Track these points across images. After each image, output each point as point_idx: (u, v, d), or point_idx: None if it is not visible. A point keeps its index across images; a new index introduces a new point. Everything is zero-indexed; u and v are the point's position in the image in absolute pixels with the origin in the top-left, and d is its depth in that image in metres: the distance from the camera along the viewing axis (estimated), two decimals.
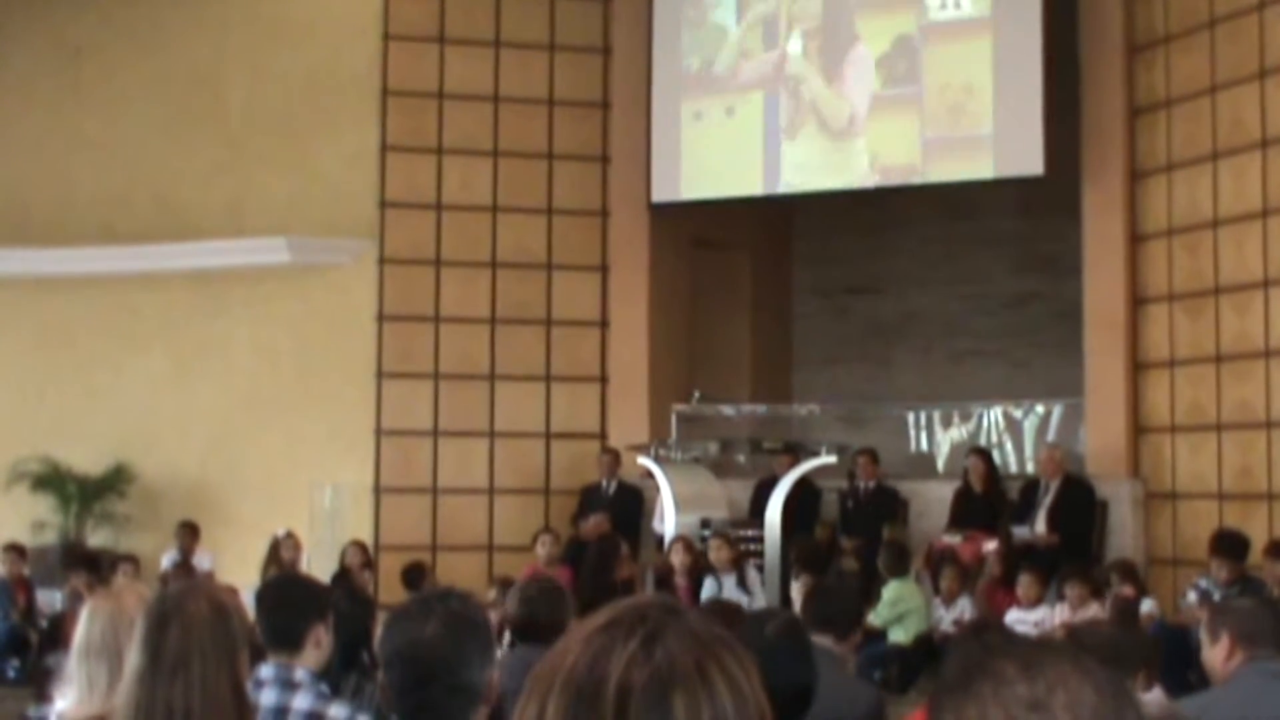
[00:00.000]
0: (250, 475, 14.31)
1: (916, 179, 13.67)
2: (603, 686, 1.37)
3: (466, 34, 14.75)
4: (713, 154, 14.32)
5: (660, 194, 14.38)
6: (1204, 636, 4.93)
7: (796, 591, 5.30)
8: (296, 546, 12.51)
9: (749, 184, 14.25)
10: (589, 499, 13.71)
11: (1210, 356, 12.29)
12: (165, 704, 2.99)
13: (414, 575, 11.49)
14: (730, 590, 11.18)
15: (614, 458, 13.81)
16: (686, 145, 14.40)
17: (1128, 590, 9.96)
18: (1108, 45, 13.07)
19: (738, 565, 11.41)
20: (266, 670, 4.10)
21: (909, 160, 13.59)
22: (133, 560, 12.40)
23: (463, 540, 14.16)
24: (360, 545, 12.50)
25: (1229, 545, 10.30)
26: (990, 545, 11.66)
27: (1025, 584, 10.60)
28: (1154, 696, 5.41)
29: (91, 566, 12.00)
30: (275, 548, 12.39)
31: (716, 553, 11.41)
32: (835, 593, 5.88)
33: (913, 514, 13.05)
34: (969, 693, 1.44)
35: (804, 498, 12.72)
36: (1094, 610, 9.90)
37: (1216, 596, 9.43)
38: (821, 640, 5.29)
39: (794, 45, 14.03)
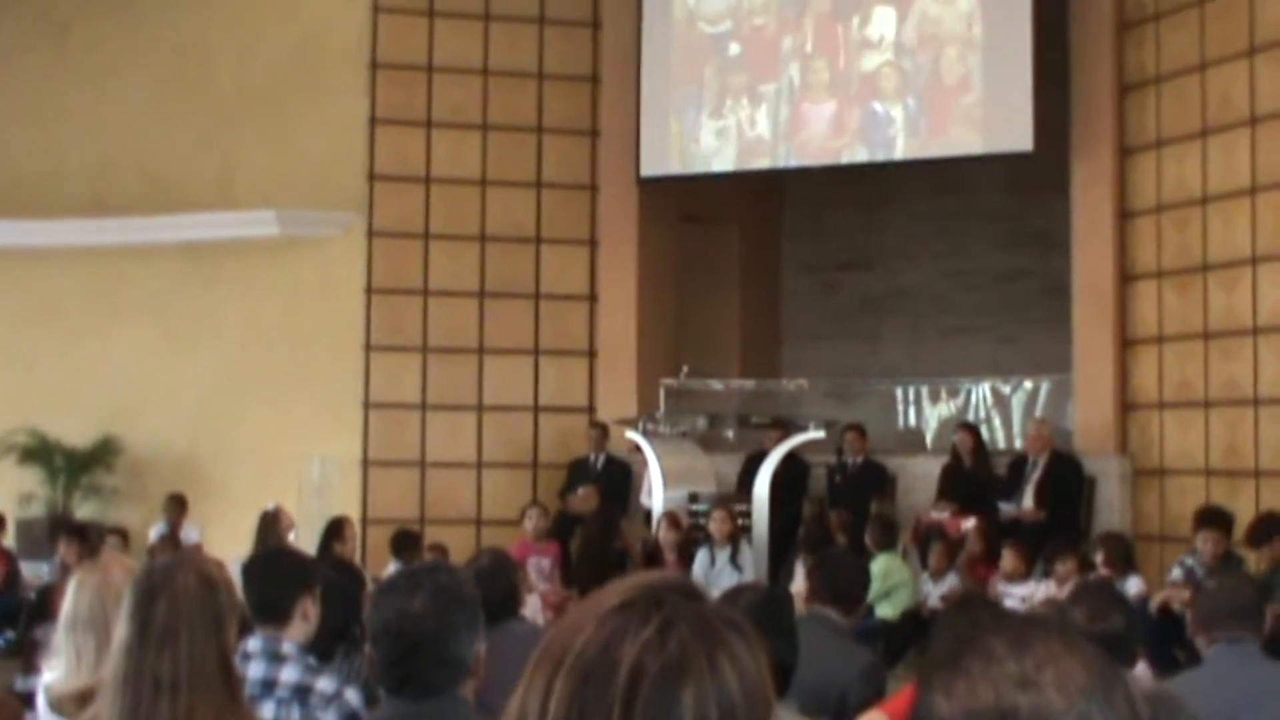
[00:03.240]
0: (238, 448, 14.28)
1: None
2: (615, 670, 1.35)
3: (456, 7, 14.69)
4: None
5: (649, 168, 14.34)
6: (1190, 618, 5.00)
7: (800, 572, 5.23)
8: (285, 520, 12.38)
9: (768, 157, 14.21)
10: (577, 473, 13.71)
11: (1198, 333, 12.31)
12: (153, 676, 2.98)
13: (403, 543, 11.38)
14: (723, 565, 11.20)
15: (602, 432, 13.80)
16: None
17: (1104, 572, 9.93)
18: (1098, 21, 13.05)
19: (733, 540, 11.43)
20: (254, 643, 4.10)
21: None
22: (120, 533, 12.39)
23: (451, 514, 14.15)
24: (340, 531, 10.91)
25: (1215, 517, 10.32)
26: (969, 522, 11.63)
27: (1008, 559, 10.57)
28: (1139, 673, 5.43)
29: (82, 537, 11.97)
30: (271, 521, 11.92)
31: (719, 525, 11.41)
32: (844, 565, 5.78)
33: (900, 489, 13.07)
34: (957, 669, 1.43)
35: (792, 473, 12.71)
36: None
37: (1200, 574, 9.45)
38: (826, 611, 5.30)
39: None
